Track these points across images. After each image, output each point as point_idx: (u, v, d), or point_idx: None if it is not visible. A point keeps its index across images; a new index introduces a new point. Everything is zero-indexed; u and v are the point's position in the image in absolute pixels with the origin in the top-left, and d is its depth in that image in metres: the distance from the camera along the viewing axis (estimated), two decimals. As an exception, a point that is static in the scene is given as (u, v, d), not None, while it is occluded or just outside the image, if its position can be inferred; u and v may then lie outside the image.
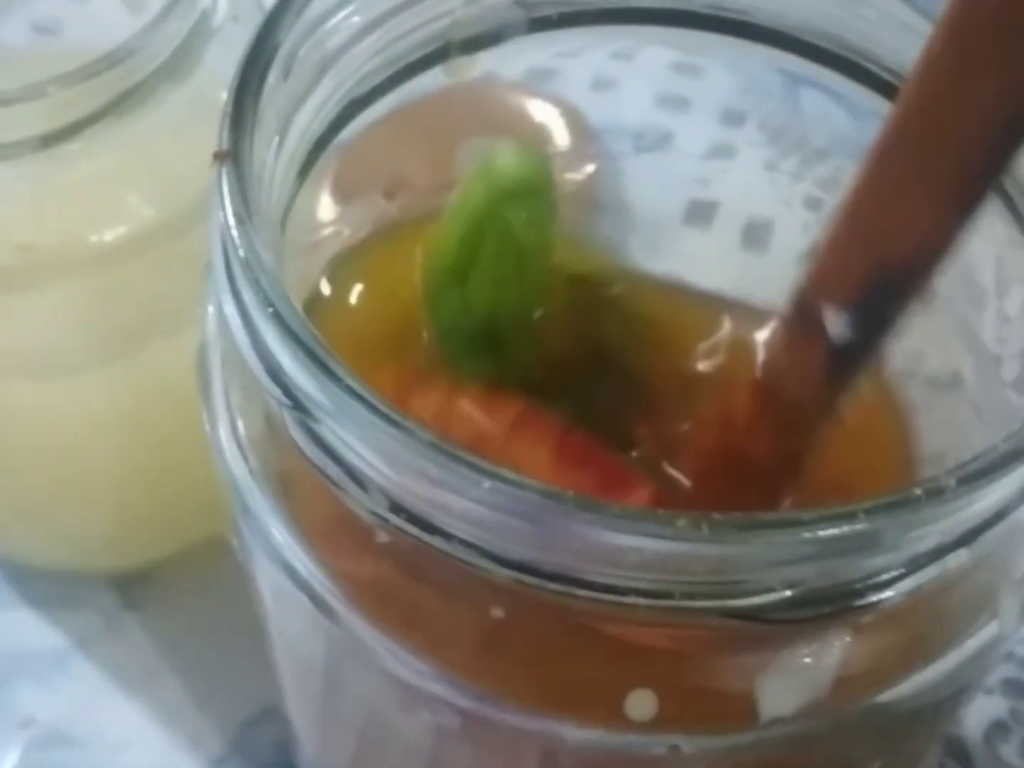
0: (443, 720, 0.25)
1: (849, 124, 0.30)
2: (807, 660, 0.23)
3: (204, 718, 0.41)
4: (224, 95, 0.33)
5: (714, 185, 0.36)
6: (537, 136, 0.36)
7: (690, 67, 0.36)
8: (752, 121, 0.37)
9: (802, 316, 0.23)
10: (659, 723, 0.23)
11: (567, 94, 0.37)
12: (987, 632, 0.25)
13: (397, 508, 0.22)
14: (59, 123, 0.32)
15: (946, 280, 0.23)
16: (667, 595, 0.21)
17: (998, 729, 0.42)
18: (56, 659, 0.42)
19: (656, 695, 0.23)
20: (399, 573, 0.23)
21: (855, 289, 0.22)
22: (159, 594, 0.43)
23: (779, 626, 0.22)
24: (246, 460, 0.25)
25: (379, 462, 0.21)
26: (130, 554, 0.42)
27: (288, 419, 0.22)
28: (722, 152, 0.37)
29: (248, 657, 0.41)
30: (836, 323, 0.22)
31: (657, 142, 0.37)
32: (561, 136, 0.35)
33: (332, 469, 0.22)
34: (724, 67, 0.35)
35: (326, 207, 0.32)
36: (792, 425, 0.24)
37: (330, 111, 0.26)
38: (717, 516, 0.20)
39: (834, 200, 0.23)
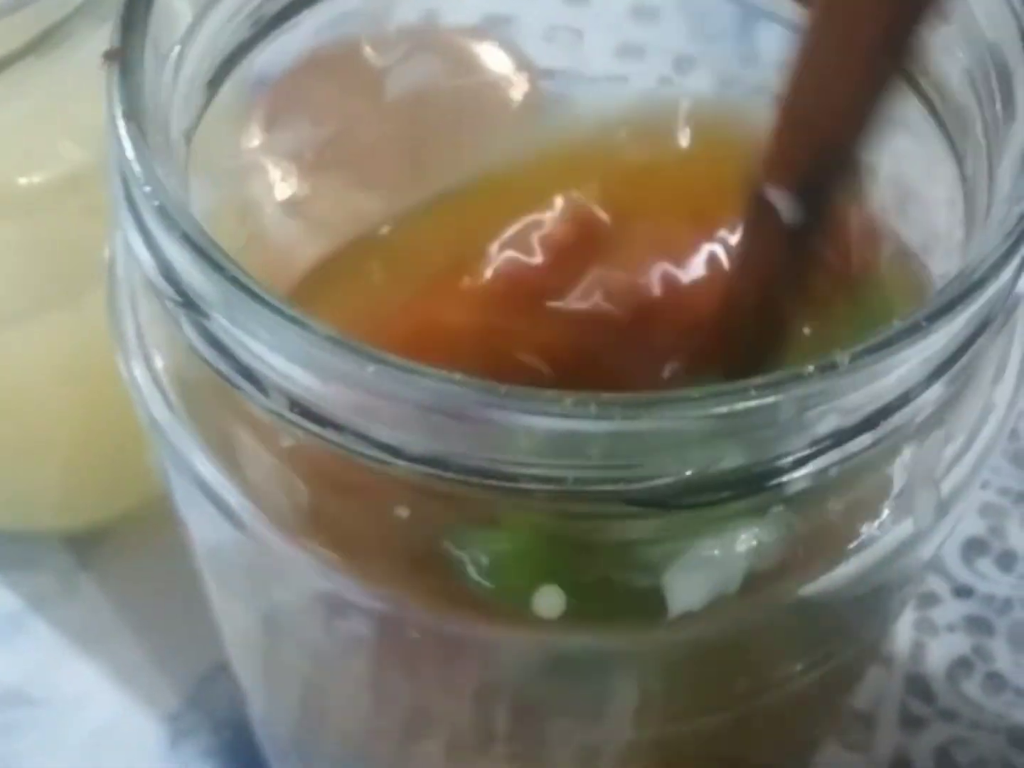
0: (365, 630, 0.25)
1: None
2: (715, 552, 0.23)
3: (160, 675, 0.41)
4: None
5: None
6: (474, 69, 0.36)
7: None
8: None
9: (757, 204, 0.24)
10: (568, 620, 0.23)
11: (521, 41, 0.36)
12: (902, 530, 0.24)
13: (292, 404, 0.21)
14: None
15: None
16: (563, 481, 0.21)
17: (961, 666, 0.41)
18: (11, 620, 0.42)
19: (564, 591, 0.23)
20: (303, 478, 0.23)
21: (798, 174, 0.24)
22: (114, 553, 0.43)
23: (679, 512, 0.21)
24: (163, 394, 0.25)
25: (269, 355, 0.21)
26: (82, 512, 0.42)
27: (185, 324, 0.22)
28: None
29: (203, 614, 0.41)
30: (786, 206, 0.24)
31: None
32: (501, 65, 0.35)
33: (225, 367, 0.21)
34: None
35: (253, 136, 0.31)
36: (765, 302, 0.25)
37: (242, 23, 0.26)
38: (606, 395, 0.20)
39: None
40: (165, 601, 0.42)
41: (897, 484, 0.24)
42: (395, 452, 0.21)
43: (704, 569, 0.23)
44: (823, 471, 0.22)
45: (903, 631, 0.41)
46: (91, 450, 0.40)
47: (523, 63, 0.36)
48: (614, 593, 0.23)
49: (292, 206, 0.32)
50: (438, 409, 0.20)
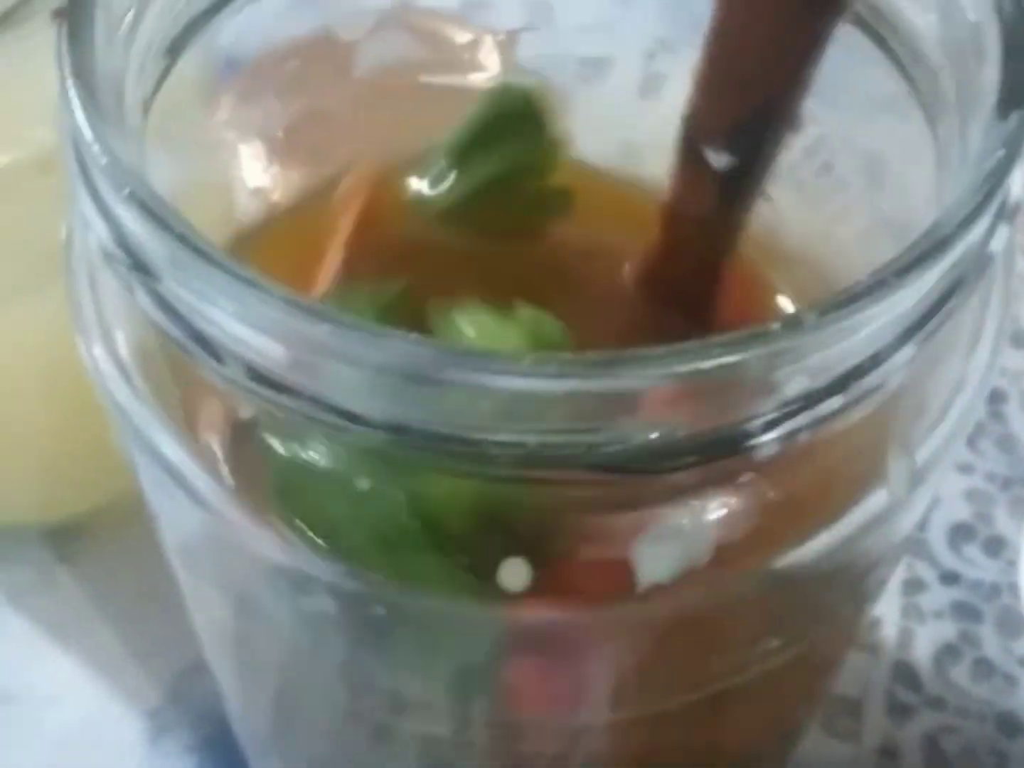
0: (333, 610, 0.24)
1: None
2: (684, 521, 0.22)
3: (139, 670, 0.41)
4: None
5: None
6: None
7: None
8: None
9: (689, 154, 0.25)
10: (534, 593, 0.22)
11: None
12: (876, 501, 0.24)
13: (248, 370, 0.21)
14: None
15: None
16: (524, 446, 0.20)
17: (948, 652, 0.41)
18: (-12, 614, 0.41)
19: (529, 564, 0.22)
20: (263, 451, 0.23)
21: (727, 124, 0.24)
22: (92, 547, 0.42)
23: (644, 478, 0.21)
24: (123, 372, 0.25)
25: (221, 317, 0.20)
26: (60, 506, 0.42)
27: (138, 291, 0.22)
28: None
29: (182, 608, 0.41)
30: (716, 156, 0.24)
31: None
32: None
33: (179, 334, 0.21)
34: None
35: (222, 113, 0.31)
36: (704, 248, 0.27)
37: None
38: (566, 354, 0.19)
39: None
40: (144, 595, 0.41)
41: (869, 452, 0.24)
42: (353, 418, 0.21)
43: (673, 540, 0.22)
44: (792, 435, 0.21)
45: (889, 618, 0.41)
46: (69, 442, 0.39)
47: (496, 43, 0.35)
48: (581, 566, 0.22)
49: (259, 186, 0.32)
50: (396, 370, 0.20)
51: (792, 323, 0.20)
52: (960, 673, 0.41)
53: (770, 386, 0.21)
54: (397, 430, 0.21)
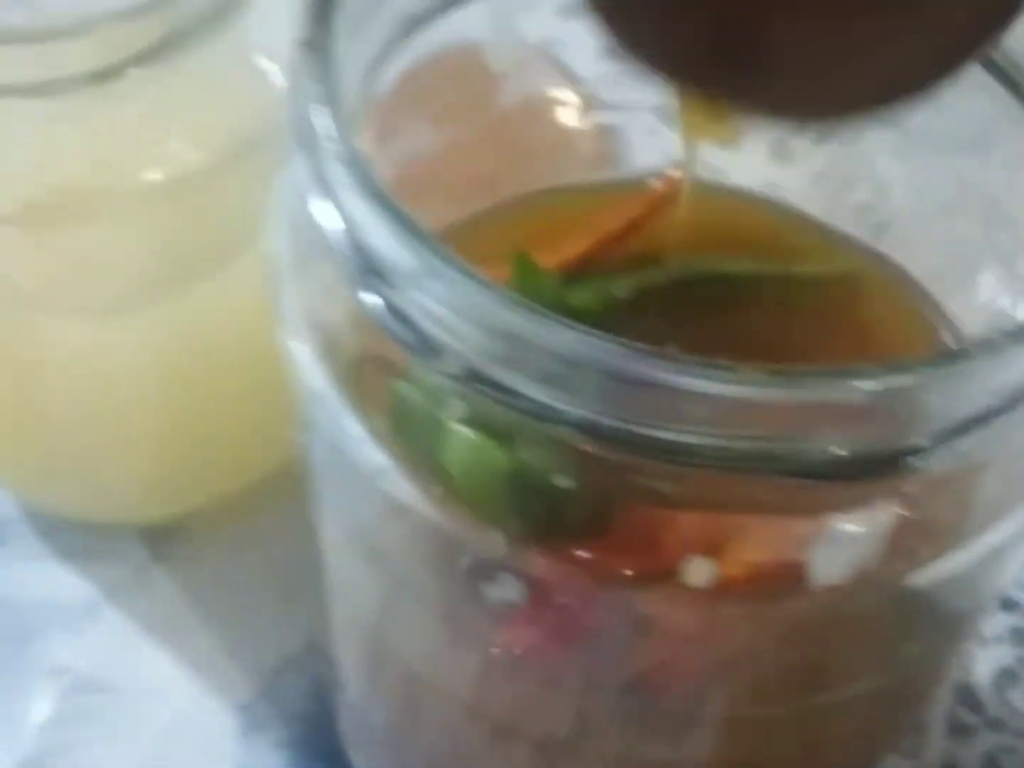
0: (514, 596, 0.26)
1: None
2: (859, 528, 0.24)
3: (232, 666, 0.42)
4: (257, 57, 0.35)
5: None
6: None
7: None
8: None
9: None
10: (715, 590, 0.24)
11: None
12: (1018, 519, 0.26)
13: (473, 373, 0.23)
14: (107, 61, 0.33)
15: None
16: (725, 450, 0.22)
17: (1007, 676, 0.43)
18: (87, 610, 0.43)
19: (712, 562, 0.24)
20: (464, 450, 0.24)
21: None
22: (186, 546, 0.44)
23: (831, 485, 0.23)
24: (321, 365, 0.26)
25: (464, 325, 0.22)
26: (162, 506, 0.43)
27: (369, 297, 0.23)
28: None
29: (275, 606, 0.42)
30: None
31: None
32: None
33: (399, 330, 0.23)
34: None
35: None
36: None
37: (392, 20, 0.27)
38: (776, 366, 0.21)
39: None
40: (238, 594, 0.43)
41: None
42: (573, 423, 0.22)
43: (848, 544, 0.24)
44: (967, 452, 0.23)
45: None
46: (172, 447, 0.41)
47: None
48: (760, 565, 0.24)
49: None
50: (619, 374, 0.21)
51: (986, 345, 0.22)
52: (1018, 696, 0.42)
53: (952, 404, 0.22)
54: (598, 428, 0.22)
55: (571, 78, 0.36)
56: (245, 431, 0.40)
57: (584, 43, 0.34)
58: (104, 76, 0.33)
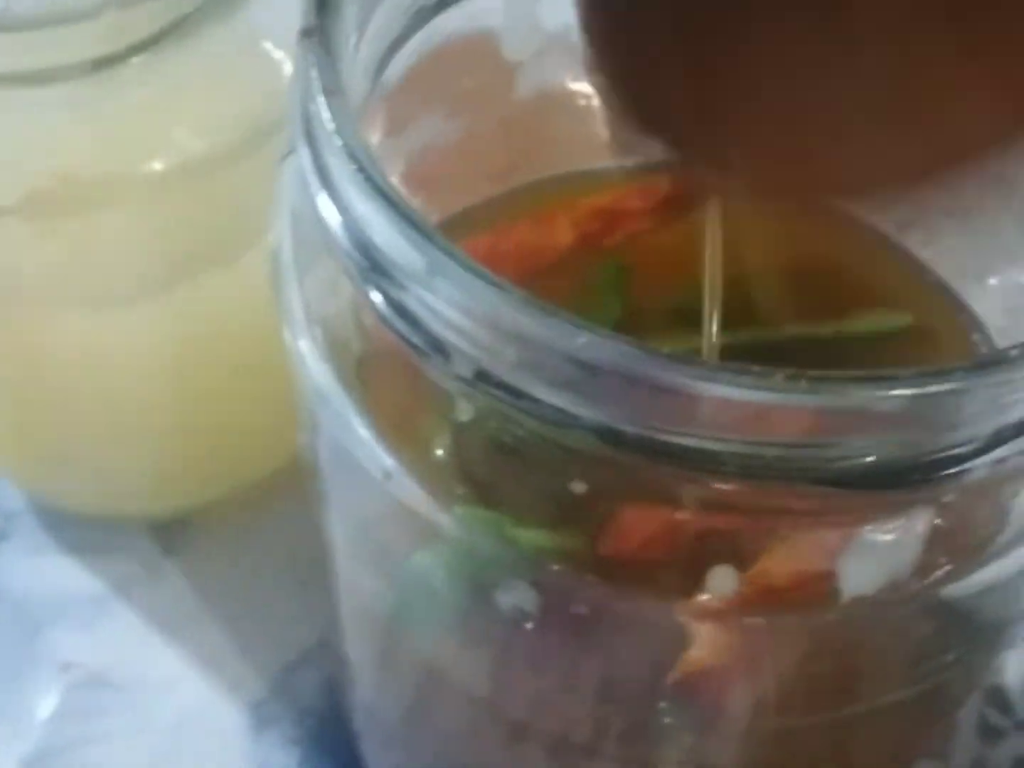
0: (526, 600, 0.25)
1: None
2: (890, 537, 0.23)
3: (244, 662, 0.41)
4: (265, 45, 0.34)
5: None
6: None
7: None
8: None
9: None
10: (740, 600, 0.23)
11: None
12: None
13: (483, 375, 0.22)
14: (111, 47, 0.32)
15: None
16: (757, 458, 0.21)
17: (1035, 680, 0.42)
18: (96, 604, 0.42)
19: (737, 572, 0.23)
20: (474, 450, 0.24)
21: None
22: (196, 540, 0.43)
23: (865, 494, 0.22)
24: (327, 363, 0.25)
25: (473, 326, 0.21)
26: (172, 500, 0.42)
27: (375, 296, 0.23)
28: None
29: (287, 601, 0.42)
30: None
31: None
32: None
33: (412, 335, 0.22)
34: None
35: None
36: None
37: (405, 13, 0.26)
38: (813, 371, 0.20)
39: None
40: (249, 589, 0.42)
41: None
42: (590, 427, 0.21)
43: (879, 554, 0.23)
44: (1002, 461, 0.22)
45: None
46: (182, 441, 0.40)
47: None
48: (788, 575, 0.23)
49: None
50: (650, 381, 0.20)
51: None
52: (1048, 698, 0.42)
53: (990, 412, 0.21)
54: (620, 435, 0.21)
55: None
56: (256, 423, 0.39)
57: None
58: (108, 63, 0.32)
